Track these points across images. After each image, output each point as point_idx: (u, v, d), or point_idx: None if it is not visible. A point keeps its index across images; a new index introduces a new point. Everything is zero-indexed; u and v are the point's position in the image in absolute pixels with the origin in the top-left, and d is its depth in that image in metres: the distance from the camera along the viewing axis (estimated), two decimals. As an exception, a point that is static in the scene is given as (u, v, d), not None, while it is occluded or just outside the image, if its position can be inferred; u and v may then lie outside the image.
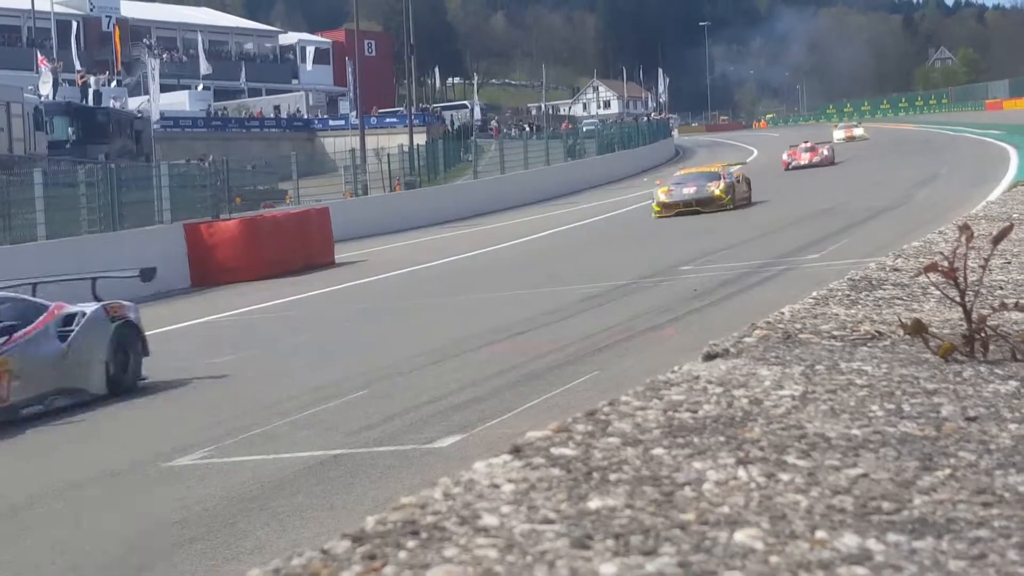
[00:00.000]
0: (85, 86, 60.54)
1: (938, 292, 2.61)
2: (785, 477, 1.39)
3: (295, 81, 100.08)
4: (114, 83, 68.53)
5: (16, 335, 12.76)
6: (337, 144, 65.77)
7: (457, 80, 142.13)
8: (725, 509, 1.27)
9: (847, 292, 2.94)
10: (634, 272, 19.82)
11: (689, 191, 32.24)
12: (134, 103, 64.74)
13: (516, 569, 1.10)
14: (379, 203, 39.83)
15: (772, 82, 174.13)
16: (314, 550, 1.14)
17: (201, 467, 9.68)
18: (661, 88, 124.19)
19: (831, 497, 1.32)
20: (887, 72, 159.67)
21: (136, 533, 8.12)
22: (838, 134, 69.47)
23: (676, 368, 2.01)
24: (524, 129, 76.37)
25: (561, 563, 1.11)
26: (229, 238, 26.23)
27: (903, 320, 2.30)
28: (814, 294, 2.89)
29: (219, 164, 29.84)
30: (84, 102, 57.10)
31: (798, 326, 2.44)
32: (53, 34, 72.48)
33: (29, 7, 71.44)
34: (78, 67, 66.41)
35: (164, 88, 71.29)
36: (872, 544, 1.17)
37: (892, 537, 1.19)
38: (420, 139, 58.80)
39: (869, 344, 2.25)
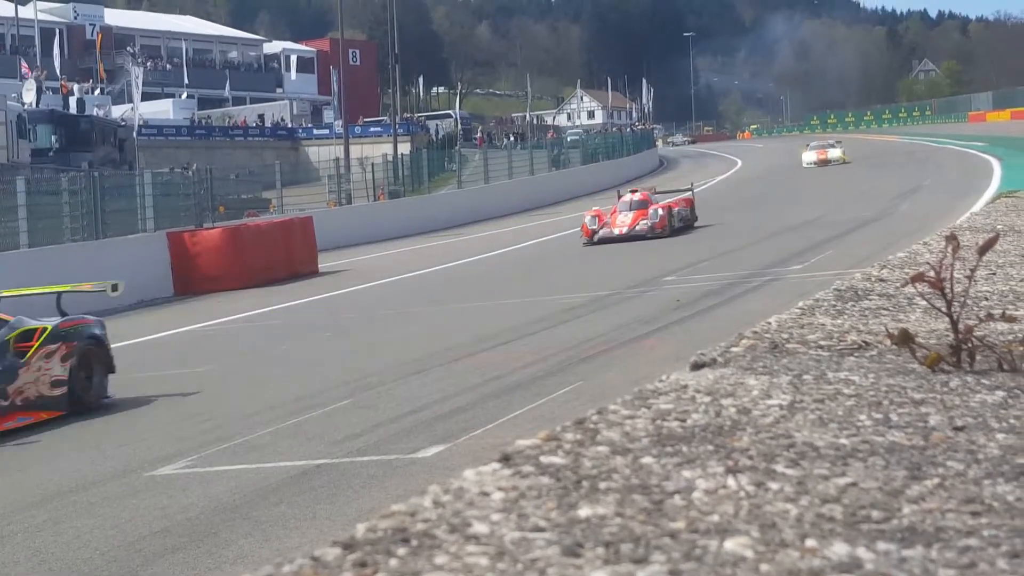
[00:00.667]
0: (68, 94, 60.43)
1: (924, 302, 2.61)
2: (774, 486, 1.39)
3: (279, 90, 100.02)
4: (97, 91, 68.43)
5: None
6: (321, 153, 65.80)
7: (442, 89, 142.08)
8: (715, 518, 1.27)
9: (833, 302, 2.94)
10: (617, 283, 19.83)
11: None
12: (117, 111, 64.65)
13: (507, 577, 1.09)
14: (363, 212, 39.81)
15: (756, 93, 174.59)
16: (304, 557, 1.14)
17: (183, 476, 9.65)
18: (645, 99, 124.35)
19: (820, 506, 1.32)
20: (871, 84, 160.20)
21: (118, 542, 8.09)
22: (808, 156, 57.90)
23: (664, 377, 2.01)
24: (509, 139, 76.45)
25: (552, 571, 1.11)
26: (212, 247, 26.18)
27: (890, 330, 2.30)
28: (800, 304, 2.90)
29: (203, 173, 29.76)
30: (67, 110, 57.01)
31: (785, 336, 2.44)
32: (37, 42, 72.37)
33: (12, 15, 71.28)
34: (61, 75, 66.28)
35: (148, 96, 71.21)
36: (862, 552, 1.17)
37: (882, 546, 1.19)
38: (404, 148, 58.78)
39: (856, 354, 2.26)
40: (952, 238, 2.22)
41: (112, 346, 14.07)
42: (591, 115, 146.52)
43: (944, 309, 2.19)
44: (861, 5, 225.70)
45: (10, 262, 22.79)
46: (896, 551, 1.18)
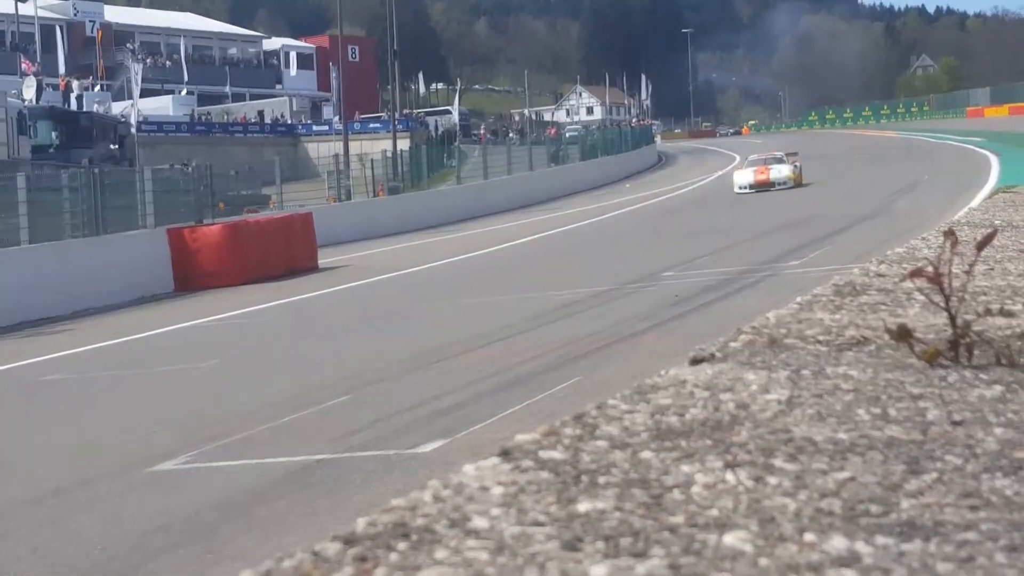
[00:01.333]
0: (68, 90, 60.38)
1: (923, 297, 2.61)
2: (773, 480, 1.40)
3: (279, 86, 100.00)
4: (97, 87, 68.39)
5: None
6: (321, 149, 65.81)
7: (441, 86, 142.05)
8: (714, 512, 1.28)
9: (831, 297, 2.95)
10: (616, 278, 19.83)
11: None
12: (117, 108, 64.60)
13: (507, 571, 1.10)
14: (362, 208, 39.83)
15: (755, 88, 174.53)
16: (305, 551, 1.14)
17: (183, 472, 9.64)
18: (644, 94, 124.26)
19: (819, 500, 1.33)
20: (869, 79, 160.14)
21: (118, 539, 8.09)
22: (742, 178, 42.45)
23: (663, 372, 2.02)
24: (508, 135, 76.38)
25: (552, 565, 1.11)
26: (212, 243, 26.17)
27: (888, 325, 2.30)
28: (798, 300, 2.90)
29: (202, 169, 29.72)
30: (67, 106, 56.95)
31: (783, 331, 2.44)
32: (37, 38, 72.35)
33: (13, 11, 71.24)
34: (62, 71, 66.26)
35: (148, 93, 71.20)
36: (860, 547, 1.18)
37: (880, 540, 1.20)
38: (404, 144, 58.79)
39: (854, 349, 2.26)
40: (950, 233, 2.22)
41: (114, 342, 14.13)
42: (590, 111, 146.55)
43: (942, 304, 2.20)
44: (859, 1, 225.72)
45: (10, 258, 22.78)
46: (895, 545, 1.19)
